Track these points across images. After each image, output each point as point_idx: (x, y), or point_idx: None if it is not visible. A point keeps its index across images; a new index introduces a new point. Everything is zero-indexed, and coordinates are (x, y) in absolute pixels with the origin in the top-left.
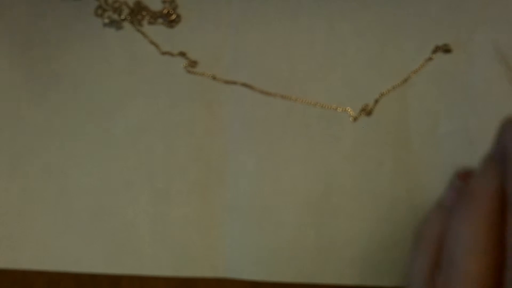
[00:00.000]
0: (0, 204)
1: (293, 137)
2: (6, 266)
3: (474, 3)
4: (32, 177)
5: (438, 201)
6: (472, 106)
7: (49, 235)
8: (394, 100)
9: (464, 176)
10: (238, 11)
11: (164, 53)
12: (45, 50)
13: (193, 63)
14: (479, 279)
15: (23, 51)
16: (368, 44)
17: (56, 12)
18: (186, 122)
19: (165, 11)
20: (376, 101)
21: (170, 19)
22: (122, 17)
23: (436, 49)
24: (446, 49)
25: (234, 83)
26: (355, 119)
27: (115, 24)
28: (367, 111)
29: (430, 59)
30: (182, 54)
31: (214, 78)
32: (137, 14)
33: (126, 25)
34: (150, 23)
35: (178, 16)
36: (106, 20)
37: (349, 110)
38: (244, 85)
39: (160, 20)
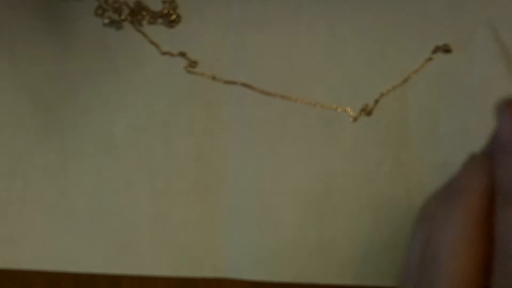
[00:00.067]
0: (0, 204)
1: (293, 137)
2: (6, 266)
3: (474, 3)
4: (32, 177)
5: (479, 151)
6: (472, 106)
7: (49, 235)
8: (394, 100)
9: None
10: (238, 11)
11: (164, 53)
12: (45, 50)
13: (193, 63)
14: (463, 278)
15: (22, 51)
16: (368, 44)
17: (56, 12)
18: (186, 122)
19: (165, 11)
20: (376, 101)
21: (170, 19)
22: (122, 17)
23: (436, 49)
24: (446, 49)
25: (234, 83)
26: (355, 119)
27: (115, 24)
28: (367, 111)
29: (430, 59)
30: (182, 54)
31: (214, 78)
32: (137, 14)
33: (126, 25)
34: (150, 23)
35: (178, 16)
36: (106, 20)
37: (349, 110)
38: (244, 85)
39: (160, 20)
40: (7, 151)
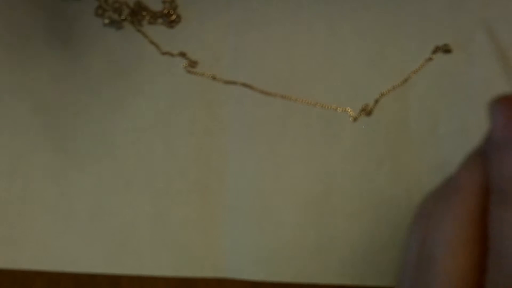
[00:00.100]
0: (0, 204)
1: (293, 137)
2: (6, 266)
3: (474, 3)
4: (32, 177)
5: (474, 149)
6: (472, 106)
7: (49, 235)
8: (394, 100)
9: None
10: (238, 11)
11: (164, 53)
12: (45, 51)
13: (193, 63)
14: (460, 276)
15: (22, 51)
16: (368, 44)
17: (56, 12)
18: (186, 122)
19: (165, 11)
20: (376, 101)
21: (170, 19)
22: (122, 17)
23: (436, 49)
24: (446, 49)
25: (234, 83)
26: (355, 119)
27: (115, 24)
28: (367, 111)
29: (430, 59)
30: (182, 54)
31: (214, 78)
32: (137, 14)
33: (126, 25)
34: (150, 23)
35: (178, 16)
36: (106, 20)
37: (349, 110)
38: (244, 85)
39: (160, 20)
40: (7, 151)
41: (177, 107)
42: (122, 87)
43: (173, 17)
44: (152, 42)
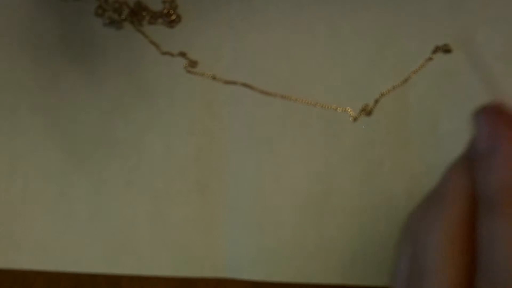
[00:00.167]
0: (0, 204)
1: (293, 137)
2: (6, 266)
3: (474, 3)
4: (32, 177)
5: (457, 158)
6: (472, 106)
7: (49, 235)
8: (394, 100)
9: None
10: (238, 11)
11: (164, 53)
12: (45, 50)
13: (193, 63)
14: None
15: (22, 51)
16: (368, 44)
17: (56, 12)
18: (186, 122)
19: (165, 11)
20: (376, 101)
21: (170, 19)
22: (122, 17)
23: (436, 49)
24: (446, 49)
25: (234, 83)
26: (355, 119)
27: (115, 24)
28: (367, 111)
29: (430, 59)
30: (182, 54)
31: (214, 78)
32: (137, 14)
33: (126, 25)
34: (150, 23)
35: (178, 16)
36: (106, 20)
37: (349, 110)
38: (244, 85)
39: (160, 20)
40: (7, 151)
41: (177, 107)
42: (121, 87)
43: (173, 17)
44: (152, 42)
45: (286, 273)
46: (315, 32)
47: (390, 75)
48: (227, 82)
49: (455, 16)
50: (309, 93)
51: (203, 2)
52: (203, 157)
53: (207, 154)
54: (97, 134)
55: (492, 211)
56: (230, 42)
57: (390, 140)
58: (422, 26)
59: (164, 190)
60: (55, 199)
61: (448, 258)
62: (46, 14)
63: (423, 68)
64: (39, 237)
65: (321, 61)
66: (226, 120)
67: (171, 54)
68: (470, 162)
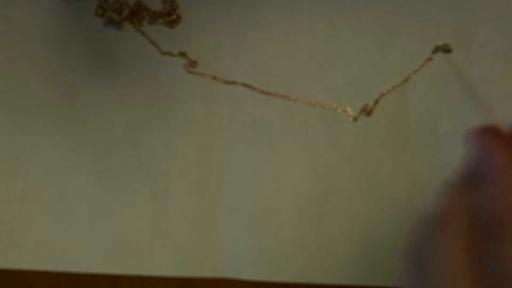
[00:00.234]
0: (0, 204)
1: (293, 137)
2: (6, 266)
3: (474, 3)
4: (32, 177)
5: (450, 180)
6: (472, 106)
7: (49, 235)
8: (394, 100)
9: (487, 132)
10: (238, 11)
11: (164, 53)
12: (45, 50)
13: (193, 63)
14: None
15: (22, 51)
16: (368, 44)
17: (56, 12)
18: (186, 122)
19: (165, 11)
20: (376, 101)
21: (170, 19)
22: (122, 17)
23: (436, 49)
24: (446, 49)
25: (234, 83)
26: (355, 119)
27: (115, 24)
28: (367, 111)
29: (430, 59)
30: (182, 54)
31: (214, 78)
32: (137, 14)
33: (126, 25)
34: (150, 23)
35: (178, 16)
36: (106, 20)
37: (349, 110)
38: (244, 85)
39: (160, 20)
40: (7, 151)
41: (177, 107)
42: (122, 86)
43: (173, 17)
44: (152, 42)
45: (286, 273)
46: (315, 32)
47: (390, 75)
48: (227, 82)
49: (455, 16)
50: (309, 93)
51: (203, 2)
52: (203, 157)
53: (207, 154)
54: (97, 134)
55: (492, 236)
56: (230, 42)
57: (390, 140)
58: (422, 26)
59: (164, 190)
60: (55, 199)
61: (457, 272)
62: (45, 14)
63: (423, 68)
64: (39, 237)
65: (321, 61)
66: (226, 120)
67: (171, 54)
68: (464, 185)
